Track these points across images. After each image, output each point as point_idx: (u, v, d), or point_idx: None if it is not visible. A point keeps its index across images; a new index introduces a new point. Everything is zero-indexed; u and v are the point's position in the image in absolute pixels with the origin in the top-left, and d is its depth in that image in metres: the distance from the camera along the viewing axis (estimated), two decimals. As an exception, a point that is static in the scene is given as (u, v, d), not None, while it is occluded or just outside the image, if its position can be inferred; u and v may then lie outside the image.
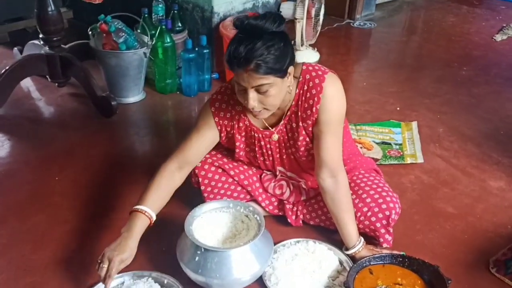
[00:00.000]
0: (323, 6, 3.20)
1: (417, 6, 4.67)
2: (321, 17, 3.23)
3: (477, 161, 2.31)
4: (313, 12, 3.15)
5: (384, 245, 1.71)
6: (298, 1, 2.99)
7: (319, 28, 3.29)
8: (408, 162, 2.27)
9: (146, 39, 2.67)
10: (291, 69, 1.48)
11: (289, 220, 1.84)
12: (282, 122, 1.64)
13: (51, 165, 2.19)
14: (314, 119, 1.58)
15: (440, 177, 2.19)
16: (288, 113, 1.62)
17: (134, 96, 2.74)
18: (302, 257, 1.67)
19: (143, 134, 2.51)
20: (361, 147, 2.35)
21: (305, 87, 1.57)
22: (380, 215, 1.68)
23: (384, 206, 1.69)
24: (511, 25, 4.11)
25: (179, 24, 2.91)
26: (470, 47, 3.72)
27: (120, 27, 2.57)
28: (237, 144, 1.71)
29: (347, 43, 3.83)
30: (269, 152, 1.72)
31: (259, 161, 1.77)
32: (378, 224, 1.69)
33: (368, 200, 1.70)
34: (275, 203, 1.88)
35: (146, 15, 2.78)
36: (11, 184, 2.07)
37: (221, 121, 1.66)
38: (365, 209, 1.69)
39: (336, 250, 1.72)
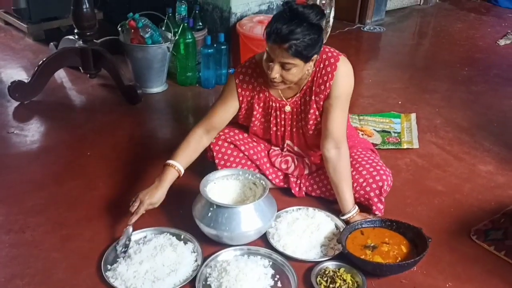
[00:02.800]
0: (333, 10, 3.44)
1: (426, 13, 4.88)
2: (331, 20, 3.46)
3: (469, 148, 2.51)
4: (323, 15, 3.39)
5: (377, 212, 1.93)
6: (309, 4, 3.23)
7: (329, 30, 3.53)
8: (405, 147, 2.48)
9: (169, 35, 2.94)
10: (315, 57, 1.72)
11: (293, 192, 2.06)
12: (297, 95, 1.88)
13: (83, 143, 2.45)
14: (326, 93, 1.81)
15: (433, 161, 2.39)
16: (304, 87, 1.85)
17: (157, 86, 3.01)
18: (302, 220, 1.89)
19: (164, 120, 2.77)
20: (362, 134, 2.57)
21: (321, 65, 1.80)
22: (374, 185, 1.90)
23: (377, 177, 1.91)
24: (516, 30, 4.31)
25: (200, 23, 3.18)
26: (474, 50, 3.91)
27: (146, 23, 2.85)
28: (255, 113, 1.94)
29: (356, 45, 4.06)
30: (282, 123, 1.95)
31: (271, 131, 1.99)
32: (371, 194, 1.91)
33: (364, 172, 1.93)
34: (281, 177, 2.10)
35: (170, 14, 3.05)
36: (49, 158, 2.34)
37: (243, 92, 1.90)
38: (361, 180, 1.92)
39: (333, 217, 1.94)
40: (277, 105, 1.91)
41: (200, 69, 3.08)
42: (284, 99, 1.90)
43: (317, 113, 1.88)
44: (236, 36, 3.07)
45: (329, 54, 1.81)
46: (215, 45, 2.99)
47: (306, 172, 2.06)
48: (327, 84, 1.80)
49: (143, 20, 2.84)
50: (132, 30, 2.86)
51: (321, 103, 1.85)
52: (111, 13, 3.82)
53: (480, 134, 2.63)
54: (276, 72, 1.69)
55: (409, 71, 3.51)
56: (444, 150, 2.48)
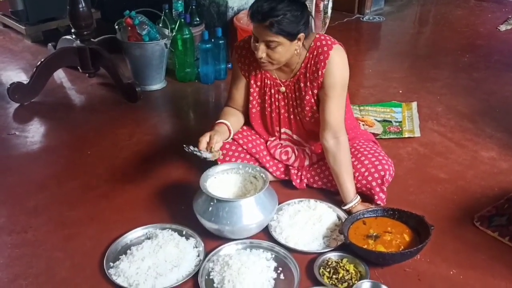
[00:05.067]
0: (331, 1, 3.41)
1: (426, 1, 4.85)
2: (329, 11, 3.43)
3: (471, 135, 2.49)
4: (321, 6, 3.37)
5: (379, 202, 1.92)
6: (306, -5, 3.21)
7: (327, 21, 3.50)
8: (406, 136, 2.46)
9: (167, 31, 2.94)
10: (301, 35, 1.72)
11: (294, 183, 2.05)
12: (291, 79, 1.89)
13: (83, 142, 2.46)
14: (320, 82, 1.82)
15: (435, 149, 2.37)
16: (297, 73, 1.86)
17: (156, 84, 3.00)
18: (304, 212, 1.88)
19: (165, 117, 2.76)
20: (363, 124, 2.55)
21: (315, 53, 1.81)
22: (376, 175, 1.89)
23: (379, 167, 1.90)
24: (516, 16, 4.27)
25: (197, 18, 3.17)
26: (474, 37, 3.88)
27: (143, 20, 2.84)
28: (251, 91, 1.96)
29: (356, 36, 4.04)
30: (276, 103, 1.96)
31: (266, 112, 1.99)
32: (374, 183, 1.90)
33: (366, 162, 1.92)
34: (282, 169, 2.09)
35: (167, 10, 3.04)
36: (50, 157, 2.34)
37: (243, 66, 1.94)
38: (363, 169, 1.91)
39: (335, 208, 1.93)
40: (272, 83, 1.94)
41: (198, 65, 3.07)
42: (279, 79, 1.92)
43: (312, 100, 1.88)
44: (234, 30, 3.06)
45: (324, 42, 1.80)
46: (213, 40, 2.98)
47: (307, 163, 2.05)
48: (319, 72, 1.80)
49: (139, 18, 2.83)
50: (129, 28, 2.86)
51: (315, 91, 1.85)
52: (108, 12, 3.81)
53: (482, 121, 2.61)
54: (262, 52, 1.71)
55: (410, 59, 3.48)
56: (446, 137, 2.47)
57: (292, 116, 1.98)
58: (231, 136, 1.94)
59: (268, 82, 1.94)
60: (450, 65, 3.33)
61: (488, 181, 2.14)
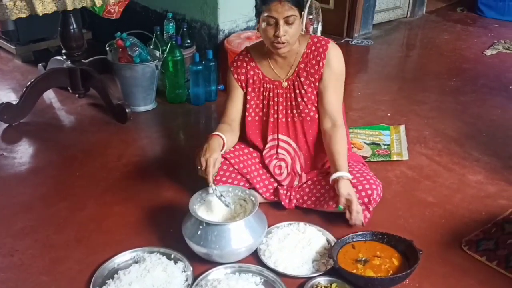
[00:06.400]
0: (320, 24, 3.47)
1: (413, 25, 4.93)
2: (319, 34, 3.48)
3: (458, 158, 2.51)
4: (311, 30, 3.42)
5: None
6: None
7: (317, 44, 3.55)
8: (394, 159, 2.48)
9: (158, 53, 2.95)
10: (303, 14, 1.88)
11: (282, 203, 2.05)
12: (291, 76, 1.99)
13: (72, 163, 2.44)
14: (320, 73, 1.95)
15: (423, 172, 2.39)
16: (296, 69, 1.98)
17: (146, 105, 3.00)
18: (293, 236, 1.88)
19: (154, 138, 2.76)
20: (352, 147, 2.56)
21: (313, 47, 1.97)
22: (363, 193, 1.92)
23: (367, 186, 1.93)
24: (502, 41, 4.35)
25: (188, 41, 3.20)
26: (461, 61, 3.94)
27: (134, 42, 2.85)
28: (249, 98, 2.03)
29: (345, 58, 3.94)
30: (275, 108, 2.02)
31: (265, 118, 2.04)
32: (360, 201, 1.91)
33: (354, 180, 1.94)
34: (271, 190, 2.09)
35: (158, 32, 3.07)
36: (37, 179, 2.32)
37: (239, 77, 2.04)
38: None
39: (324, 231, 1.93)
40: (271, 86, 2.01)
41: (189, 86, 3.08)
42: (280, 78, 2.01)
43: (315, 92, 1.99)
44: (225, 53, 3.09)
45: (320, 38, 1.99)
46: (203, 62, 3.00)
47: (296, 183, 2.07)
48: (320, 64, 1.95)
49: (130, 39, 2.85)
50: (120, 49, 2.87)
51: (316, 84, 1.97)
52: (99, 33, 3.83)
53: (469, 144, 2.64)
54: (284, 30, 1.80)
55: (398, 83, 3.53)
56: (434, 161, 2.49)
57: (289, 119, 2.04)
58: (224, 150, 1.94)
59: (268, 86, 2.02)
60: (438, 89, 3.38)
61: (475, 205, 2.15)
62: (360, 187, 1.91)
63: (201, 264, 1.75)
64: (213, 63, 3.02)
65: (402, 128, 2.78)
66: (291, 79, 2.00)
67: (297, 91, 2.00)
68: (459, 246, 1.89)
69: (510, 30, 4.74)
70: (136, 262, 1.75)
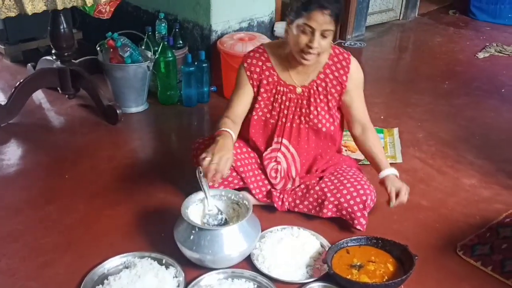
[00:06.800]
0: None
1: (406, 28, 4.93)
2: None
3: (452, 161, 2.50)
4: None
5: (358, 227, 1.92)
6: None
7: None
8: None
9: (149, 54, 2.91)
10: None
11: (275, 205, 2.02)
12: (309, 81, 1.96)
13: (61, 165, 2.39)
14: (344, 86, 1.96)
15: (416, 176, 2.38)
16: (316, 78, 1.96)
17: (138, 106, 2.96)
18: (287, 240, 1.85)
19: (146, 139, 2.72)
20: (345, 150, 2.55)
21: (335, 59, 1.96)
22: (358, 199, 1.90)
23: (361, 191, 1.91)
24: (494, 44, 4.36)
25: (180, 41, 3.16)
26: (454, 63, 3.94)
27: (125, 42, 2.81)
28: (259, 99, 1.98)
29: None
30: (285, 112, 1.98)
31: (272, 120, 2.00)
32: (355, 207, 1.90)
33: (348, 185, 1.93)
34: (264, 192, 2.06)
35: (150, 33, 3.02)
36: (26, 181, 2.27)
37: (252, 75, 1.96)
38: (345, 191, 1.92)
39: (318, 235, 1.91)
40: (285, 89, 1.97)
41: (181, 88, 3.05)
42: (295, 83, 1.97)
43: (326, 107, 1.97)
44: (217, 54, 3.05)
45: (341, 50, 1.99)
46: (196, 63, 2.97)
47: (289, 186, 2.04)
48: (344, 77, 1.95)
49: (122, 40, 2.80)
50: (111, 50, 2.83)
51: (336, 95, 1.97)
52: (89, 33, 3.78)
53: (463, 147, 2.63)
54: (318, 42, 1.76)
55: (391, 85, 3.52)
56: (427, 164, 2.48)
57: (295, 125, 2.00)
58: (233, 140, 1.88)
59: (281, 89, 1.97)
60: (431, 91, 3.37)
61: (469, 209, 2.14)
62: (354, 193, 1.90)
63: (193, 269, 1.72)
64: (206, 64, 2.99)
65: (395, 131, 2.77)
66: (308, 87, 1.96)
67: (312, 99, 1.96)
68: (454, 250, 1.88)
69: (502, 33, 4.76)
70: (127, 267, 1.71)
